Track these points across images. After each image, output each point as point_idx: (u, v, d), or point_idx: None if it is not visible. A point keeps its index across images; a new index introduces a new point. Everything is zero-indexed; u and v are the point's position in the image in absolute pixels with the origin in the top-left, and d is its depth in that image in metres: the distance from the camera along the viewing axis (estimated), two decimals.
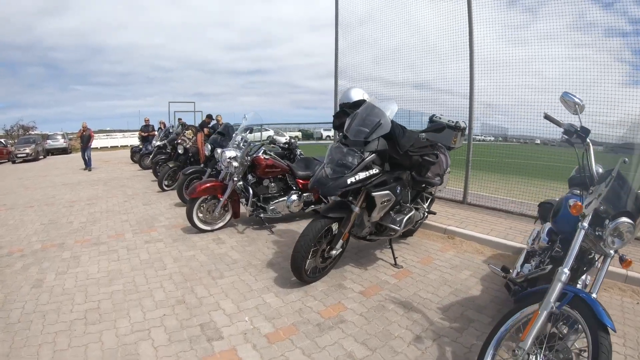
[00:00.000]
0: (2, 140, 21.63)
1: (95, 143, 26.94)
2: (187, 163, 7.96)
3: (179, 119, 16.95)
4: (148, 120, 13.86)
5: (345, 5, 7.29)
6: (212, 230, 4.65)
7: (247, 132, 4.95)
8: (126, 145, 26.60)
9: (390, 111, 3.16)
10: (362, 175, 2.95)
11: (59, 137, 23.74)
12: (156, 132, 13.51)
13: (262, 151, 4.69)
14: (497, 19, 5.26)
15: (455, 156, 4.92)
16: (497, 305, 2.87)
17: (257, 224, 5.01)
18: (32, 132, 30.81)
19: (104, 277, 3.34)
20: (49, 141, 22.89)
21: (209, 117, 11.08)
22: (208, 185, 4.46)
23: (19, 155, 18.02)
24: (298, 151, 6.22)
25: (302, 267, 3.03)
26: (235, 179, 4.47)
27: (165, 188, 7.78)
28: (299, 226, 5.00)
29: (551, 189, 5.16)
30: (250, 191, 4.55)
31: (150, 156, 11.92)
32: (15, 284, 3.25)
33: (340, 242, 3.15)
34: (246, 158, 4.53)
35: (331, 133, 34.45)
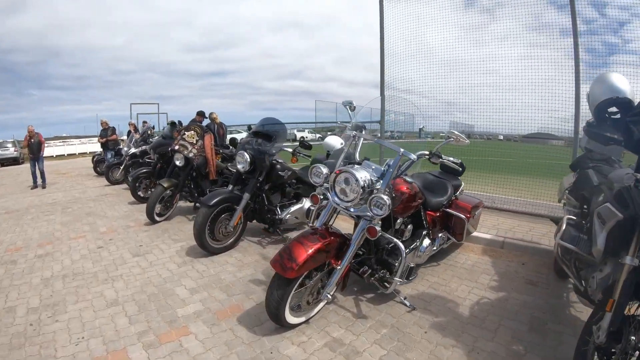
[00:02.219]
0: None
1: (49, 151, 23.00)
2: (190, 180, 5.57)
3: (144, 122, 14.21)
4: (106, 123, 10.85)
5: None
6: (307, 321, 2.44)
7: (362, 133, 2.66)
8: (85, 153, 23.01)
9: None
10: None
11: (9, 145, 20.08)
12: (123, 137, 10.75)
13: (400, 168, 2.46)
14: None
15: None
16: None
17: (365, 289, 2.84)
18: None
19: None
20: None
21: (201, 115, 8.64)
22: (319, 246, 2.17)
23: None
24: None
25: None
26: (378, 227, 2.23)
27: (158, 218, 5.34)
28: (431, 285, 2.91)
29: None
30: (402, 248, 2.36)
31: (122, 167, 9.32)
32: None
33: None
34: (389, 185, 2.31)
35: (304, 134, 32.27)
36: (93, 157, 13.76)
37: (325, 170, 2.44)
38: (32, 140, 9.39)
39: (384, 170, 2.35)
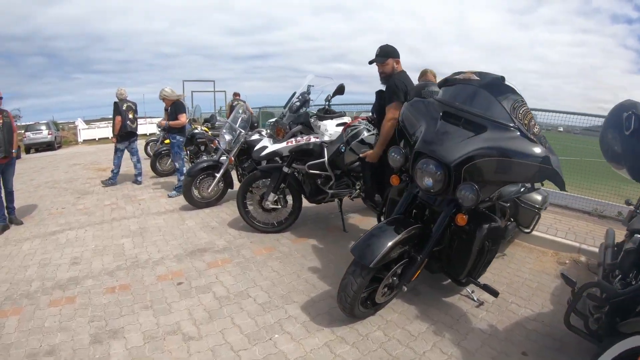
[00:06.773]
0: None
1: (91, 134, 19.20)
2: None
3: (235, 94, 9.47)
4: (122, 92, 6.19)
5: None
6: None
7: None
8: None
9: None
10: None
11: (42, 127, 16.62)
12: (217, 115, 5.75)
13: None
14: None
15: None
16: None
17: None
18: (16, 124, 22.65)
19: None
20: (28, 134, 16.00)
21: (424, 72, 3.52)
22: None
23: None
24: None
25: None
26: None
27: None
28: None
29: None
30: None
31: (219, 174, 4.46)
32: None
33: None
34: None
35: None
36: (146, 145, 9.13)
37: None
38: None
39: None
